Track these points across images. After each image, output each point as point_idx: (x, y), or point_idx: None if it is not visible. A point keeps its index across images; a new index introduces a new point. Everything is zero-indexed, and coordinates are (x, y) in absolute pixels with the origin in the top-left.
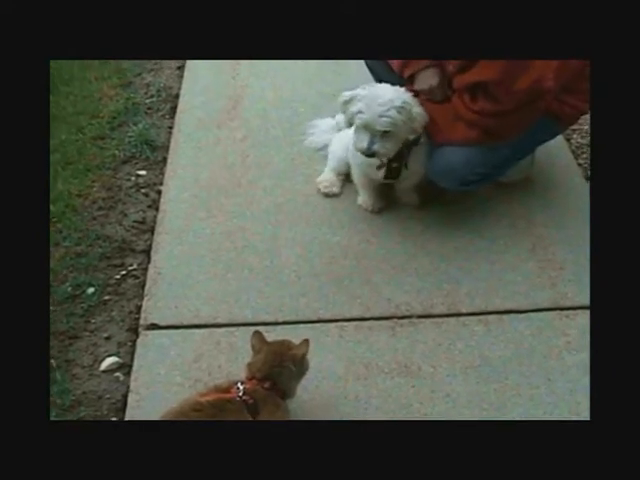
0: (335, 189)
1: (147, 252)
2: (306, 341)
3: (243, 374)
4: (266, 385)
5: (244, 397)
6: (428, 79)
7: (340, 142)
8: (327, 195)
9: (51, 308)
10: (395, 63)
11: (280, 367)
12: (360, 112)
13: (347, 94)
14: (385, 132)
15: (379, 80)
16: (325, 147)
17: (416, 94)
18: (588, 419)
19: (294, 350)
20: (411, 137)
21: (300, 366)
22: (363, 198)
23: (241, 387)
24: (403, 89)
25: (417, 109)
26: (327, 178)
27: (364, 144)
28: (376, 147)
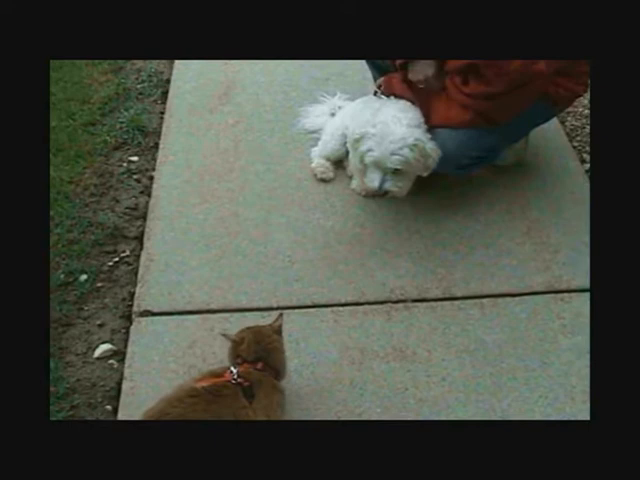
0: (331, 174)
1: (140, 238)
2: (280, 315)
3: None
4: (258, 366)
5: (239, 380)
6: (424, 69)
7: (332, 132)
8: (323, 180)
9: None
10: None
11: (268, 345)
12: (370, 150)
13: (357, 132)
14: (396, 170)
15: (373, 65)
16: (318, 130)
17: (409, 81)
18: (584, 404)
19: (273, 324)
20: (425, 174)
21: (280, 336)
22: (357, 182)
23: (235, 370)
24: (414, 123)
25: (430, 145)
26: (321, 163)
27: (375, 183)
28: (388, 186)
